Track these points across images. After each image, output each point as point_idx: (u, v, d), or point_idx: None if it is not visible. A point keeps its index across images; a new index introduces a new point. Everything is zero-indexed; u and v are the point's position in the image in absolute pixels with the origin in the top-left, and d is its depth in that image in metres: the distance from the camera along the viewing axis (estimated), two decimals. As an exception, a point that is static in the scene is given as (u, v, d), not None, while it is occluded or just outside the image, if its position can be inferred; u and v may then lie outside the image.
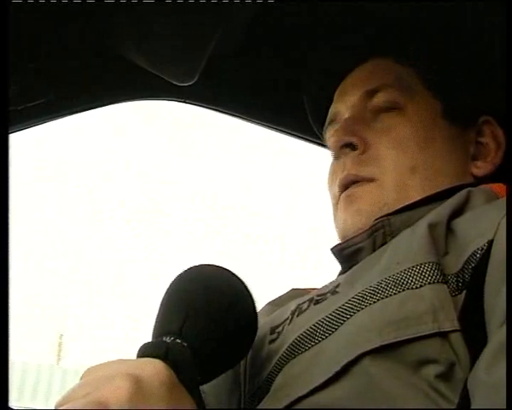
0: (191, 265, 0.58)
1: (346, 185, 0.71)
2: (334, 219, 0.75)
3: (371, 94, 0.74)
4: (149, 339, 0.52)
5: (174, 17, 0.78)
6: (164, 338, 0.51)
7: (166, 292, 0.56)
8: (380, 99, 0.73)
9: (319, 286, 0.68)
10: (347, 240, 0.68)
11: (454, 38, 0.79)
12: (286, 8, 0.86)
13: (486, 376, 0.44)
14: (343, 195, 0.71)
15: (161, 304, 0.55)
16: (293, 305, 0.65)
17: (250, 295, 0.57)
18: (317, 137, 1.02)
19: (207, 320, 0.52)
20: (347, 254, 0.68)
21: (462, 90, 0.74)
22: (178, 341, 0.50)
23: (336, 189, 0.73)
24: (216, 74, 0.92)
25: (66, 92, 0.88)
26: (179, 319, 0.52)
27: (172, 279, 0.57)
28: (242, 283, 0.57)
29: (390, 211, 0.67)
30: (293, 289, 0.76)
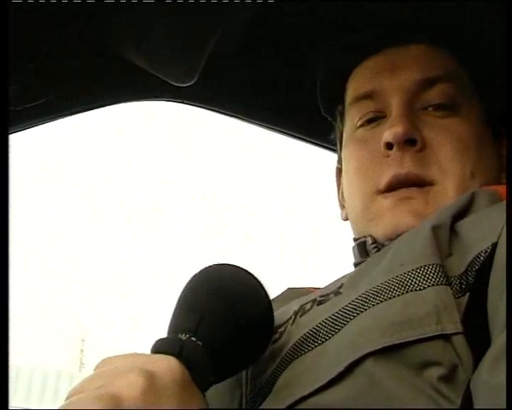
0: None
1: (401, 182, 0.67)
2: (367, 211, 0.70)
3: (431, 83, 0.69)
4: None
5: (174, 17, 0.78)
6: (179, 335, 0.51)
7: (184, 289, 0.56)
8: (439, 92, 0.69)
9: (317, 285, 0.68)
10: (372, 248, 0.67)
11: (492, 41, 0.76)
12: (286, 8, 0.86)
13: (489, 377, 0.44)
14: (397, 194, 0.67)
15: (178, 300, 0.55)
16: (295, 305, 0.65)
17: (267, 298, 0.56)
18: (316, 138, 1.02)
19: (224, 320, 0.52)
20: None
21: (501, 99, 0.71)
22: (193, 339, 0.50)
23: (385, 180, 0.68)
24: (215, 75, 0.92)
25: (66, 93, 0.88)
26: (195, 318, 0.51)
27: (192, 276, 0.57)
28: (260, 284, 0.56)
29: None
30: (289, 288, 0.75)
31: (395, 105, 0.70)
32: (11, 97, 0.78)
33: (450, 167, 0.66)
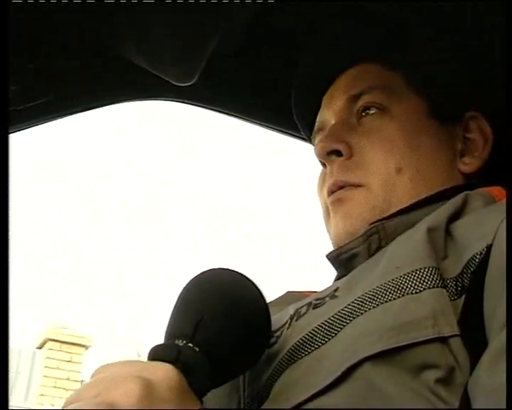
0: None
1: (334, 191, 0.71)
2: (326, 226, 0.75)
3: (356, 98, 0.73)
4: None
5: (174, 17, 0.78)
6: (176, 341, 0.50)
7: (181, 294, 0.56)
8: (364, 101, 0.73)
9: (316, 289, 0.68)
10: (342, 246, 0.68)
11: (435, 34, 0.79)
12: (286, 8, 0.86)
13: (488, 379, 0.44)
14: (331, 198, 0.71)
15: (175, 305, 0.55)
16: (291, 309, 0.64)
17: (264, 302, 0.56)
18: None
19: (221, 326, 0.52)
20: (343, 259, 0.67)
21: (446, 88, 0.74)
22: (190, 345, 0.50)
23: (325, 195, 0.73)
24: (216, 74, 0.92)
25: (66, 92, 0.88)
26: (192, 323, 0.51)
27: (188, 281, 0.57)
28: (257, 288, 0.56)
29: (380, 213, 0.67)
30: (288, 292, 0.75)
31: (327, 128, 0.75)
32: (11, 97, 0.78)
33: (373, 167, 0.69)
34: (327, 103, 0.77)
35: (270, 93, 0.98)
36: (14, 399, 6.40)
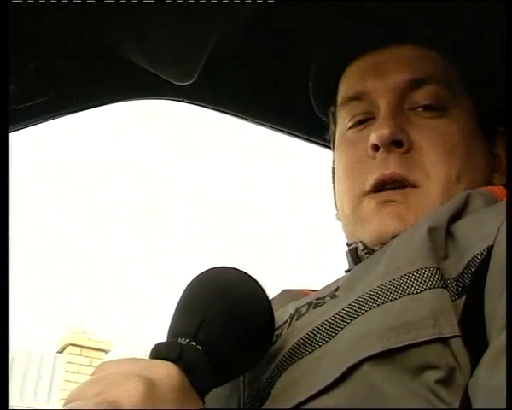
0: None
1: (386, 184, 0.67)
2: (354, 213, 0.70)
3: (418, 84, 0.69)
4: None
5: (173, 16, 0.78)
6: (179, 340, 0.50)
7: (184, 292, 0.55)
8: (427, 94, 0.68)
9: (313, 287, 0.68)
10: (362, 255, 0.66)
11: (489, 39, 0.76)
12: (286, 8, 0.86)
13: (488, 380, 0.44)
14: (380, 196, 0.67)
15: (178, 304, 0.55)
16: (291, 308, 0.64)
17: (268, 301, 0.56)
18: (316, 137, 1.02)
19: (224, 325, 0.52)
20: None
21: (494, 100, 0.71)
22: (193, 343, 0.50)
23: (370, 182, 0.67)
24: (215, 74, 0.92)
25: (65, 91, 0.88)
26: (196, 322, 0.51)
27: (192, 279, 0.56)
28: (260, 287, 0.56)
29: None
30: (285, 290, 0.75)
31: (383, 107, 0.70)
32: (10, 96, 0.78)
33: (434, 171, 0.66)
34: (375, 72, 0.71)
35: (269, 93, 0.98)
36: (38, 403, 6.45)
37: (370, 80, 0.71)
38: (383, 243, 0.64)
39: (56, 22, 0.80)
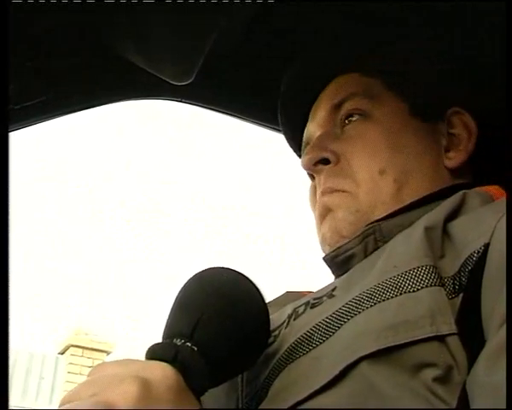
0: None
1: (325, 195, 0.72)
2: (318, 235, 0.75)
3: (338, 106, 0.74)
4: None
5: (172, 16, 0.78)
6: (174, 340, 0.50)
7: (180, 292, 0.55)
8: (346, 109, 0.73)
9: (315, 289, 0.68)
10: (338, 247, 0.68)
11: (408, 34, 0.80)
12: (285, 8, 0.86)
13: (486, 377, 0.44)
14: (318, 205, 0.72)
15: (174, 304, 0.55)
16: (289, 309, 0.65)
17: (263, 301, 0.56)
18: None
19: (220, 326, 0.52)
20: (339, 261, 0.67)
21: (425, 87, 0.75)
22: (189, 344, 0.49)
23: (319, 206, 0.73)
24: (213, 74, 0.92)
25: (64, 91, 0.87)
26: (191, 322, 0.51)
27: (187, 280, 0.56)
28: (256, 288, 0.56)
29: (364, 216, 0.67)
30: (287, 292, 0.75)
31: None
32: (11, 96, 0.78)
33: (358, 173, 0.70)
34: (311, 118, 0.79)
35: (268, 93, 0.98)
36: (39, 404, 6.47)
37: (310, 125, 0.79)
38: (338, 246, 0.68)
39: (56, 22, 0.80)
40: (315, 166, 0.72)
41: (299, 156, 0.85)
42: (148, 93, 0.94)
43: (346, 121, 0.74)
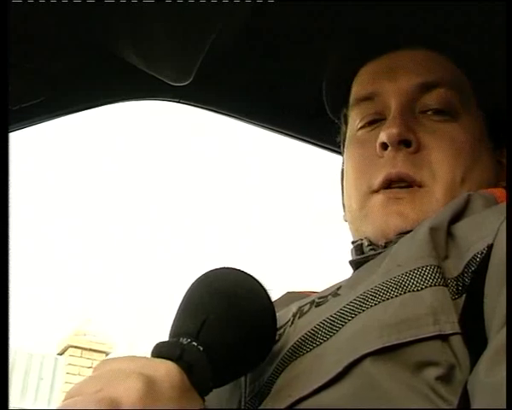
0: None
1: (393, 182, 0.68)
2: (361, 209, 0.71)
3: (429, 87, 0.70)
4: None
5: (170, 17, 0.78)
6: (180, 339, 0.50)
7: (187, 292, 0.55)
8: (437, 97, 0.70)
9: (315, 289, 0.68)
10: (368, 255, 0.67)
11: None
12: (282, 8, 0.86)
13: (487, 378, 0.44)
14: (387, 193, 0.68)
15: (181, 303, 0.55)
16: (294, 307, 0.64)
17: (270, 302, 0.56)
18: (314, 139, 1.02)
19: (226, 326, 0.52)
20: (361, 263, 0.66)
21: (503, 109, 0.70)
22: (194, 344, 0.49)
23: (379, 180, 0.69)
24: (211, 75, 0.92)
25: (63, 92, 0.87)
26: (197, 322, 0.51)
27: (195, 279, 0.56)
28: (263, 288, 0.56)
29: (431, 213, 0.64)
30: (288, 292, 0.75)
31: (393, 108, 0.71)
32: (11, 96, 0.78)
33: (440, 171, 0.67)
34: (387, 74, 0.73)
35: (266, 94, 0.98)
36: (38, 404, 6.48)
37: (382, 82, 0.73)
38: (387, 239, 0.66)
39: (54, 22, 0.80)
40: (398, 143, 0.68)
41: (333, 108, 0.80)
42: (146, 94, 0.94)
43: (434, 112, 0.70)
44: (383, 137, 0.68)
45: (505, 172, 0.73)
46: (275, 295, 0.74)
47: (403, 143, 0.68)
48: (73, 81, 0.88)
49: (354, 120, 0.76)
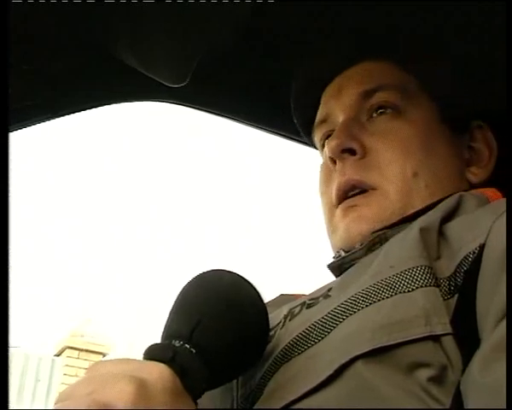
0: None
1: (347, 192, 0.69)
2: (329, 225, 0.73)
3: (369, 94, 0.72)
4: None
5: (167, 19, 0.78)
6: (173, 342, 0.50)
7: (180, 294, 0.55)
8: (378, 99, 0.71)
9: (309, 291, 0.68)
10: (344, 256, 0.67)
11: (449, 39, 0.79)
12: (281, 9, 0.86)
13: (481, 378, 0.44)
14: (344, 204, 0.70)
15: (174, 305, 0.55)
16: (285, 309, 0.64)
17: (263, 304, 0.56)
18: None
19: (219, 329, 0.52)
20: (344, 269, 0.67)
21: (459, 94, 0.74)
22: (187, 346, 0.49)
23: (334, 193, 0.71)
24: (208, 76, 0.92)
25: (61, 93, 0.87)
26: (190, 324, 0.51)
27: (187, 281, 0.56)
28: (255, 290, 0.56)
29: (397, 218, 0.66)
30: (281, 294, 0.75)
31: (339, 122, 0.74)
32: (11, 96, 0.78)
33: (390, 171, 0.68)
34: (334, 94, 0.75)
35: (265, 95, 0.98)
36: (35, 405, 6.47)
37: (331, 103, 0.76)
38: (345, 256, 0.67)
39: (54, 23, 0.80)
40: (341, 153, 0.70)
41: (305, 133, 0.83)
42: (143, 95, 0.94)
43: (377, 113, 0.72)
44: (327, 152, 0.71)
45: (479, 156, 0.73)
46: (273, 295, 0.74)
47: (347, 151, 0.70)
48: (73, 81, 0.88)
49: (317, 143, 0.80)
